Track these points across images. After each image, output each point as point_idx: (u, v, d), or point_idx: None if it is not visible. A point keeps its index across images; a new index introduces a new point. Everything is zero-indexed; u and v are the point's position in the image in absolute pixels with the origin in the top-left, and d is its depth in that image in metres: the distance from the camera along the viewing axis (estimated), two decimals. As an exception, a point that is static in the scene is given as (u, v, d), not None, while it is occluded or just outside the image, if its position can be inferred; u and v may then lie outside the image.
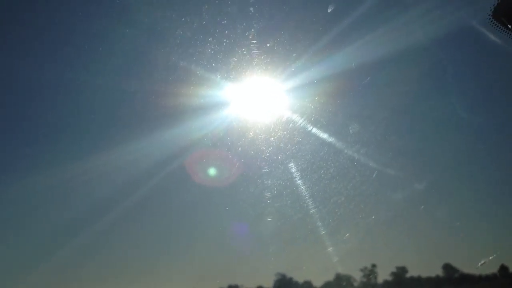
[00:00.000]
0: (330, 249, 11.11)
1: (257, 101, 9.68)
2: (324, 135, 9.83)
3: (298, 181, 10.18)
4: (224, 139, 10.03)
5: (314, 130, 9.79)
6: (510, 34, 6.29)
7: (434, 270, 27.56)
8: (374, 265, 27.47)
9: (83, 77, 10.09)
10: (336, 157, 10.17)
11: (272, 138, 9.81)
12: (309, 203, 10.34)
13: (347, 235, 11.22)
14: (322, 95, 9.74)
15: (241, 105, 9.74)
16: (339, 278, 23.95)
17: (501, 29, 6.26)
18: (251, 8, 8.59)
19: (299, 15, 9.03)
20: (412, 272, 27.40)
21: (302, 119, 9.67)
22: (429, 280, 26.67)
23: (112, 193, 12.69)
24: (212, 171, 10.93)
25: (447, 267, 27.94)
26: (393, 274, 28.21)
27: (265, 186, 10.36)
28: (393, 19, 9.23)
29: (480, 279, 24.12)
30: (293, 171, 10.05)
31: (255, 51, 8.89)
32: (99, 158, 11.44)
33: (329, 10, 8.87)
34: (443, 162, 13.59)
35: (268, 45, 8.93)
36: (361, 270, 27.68)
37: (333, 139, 10.00)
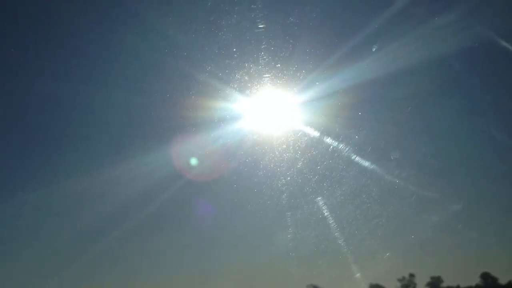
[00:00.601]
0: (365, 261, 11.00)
1: (271, 114, 9.58)
2: (345, 152, 9.67)
3: (320, 198, 10.10)
4: (237, 152, 9.94)
5: (332, 145, 9.61)
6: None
7: (472, 280, 26.82)
8: (412, 275, 26.58)
9: (96, 90, 10.18)
10: (357, 173, 10.02)
11: (287, 152, 9.68)
12: (332, 221, 10.26)
13: (387, 254, 11.03)
14: (339, 109, 9.59)
15: (254, 118, 9.64)
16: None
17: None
18: (265, 22, 8.54)
19: (314, 29, 8.92)
20: (448, 282, 26.68)
21: (317, 133, 9.52)
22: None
23: (125, 204, 12.73)
24: (225, 186, 10.84)
25: (486, 276, 26.91)
26: (428, 284, 27.28)
27: (284, 203, 10.27)
28: (410, 32, 9.02)
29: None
30: (315, 190, 9.98)
31: (268, 64, 8.83)
32: (112, 170, 11.50)
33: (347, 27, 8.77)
34: (478, 182, 13.22)
35: (282, 58, 8.86)
36: (399, 280, 26.85)
37: (354, 157, 9.83)
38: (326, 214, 10.22)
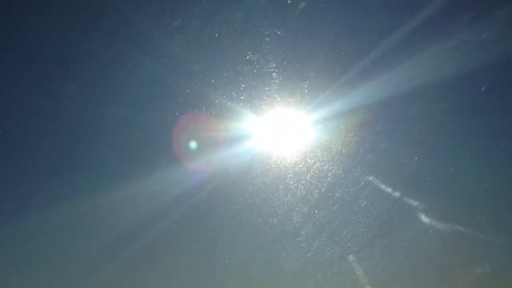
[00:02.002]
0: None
1: (282, 134, 9.43)
2: (355, 172, 9.52)
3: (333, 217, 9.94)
4: (248, 172, 9.79)
5: (343, 165, 9.46)
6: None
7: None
8: None
9: (101, 109, 10.14)
10: (370, 193, 9.80)
11: (299, 172, 9.52)
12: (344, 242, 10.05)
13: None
14: (353, 128, 9.38)
15: (265, 137, 9.50)
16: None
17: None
18: (277, 40, 8.46)
19: (326, 47, 8.78)
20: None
21: (329, 152, 9.35)
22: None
23: (132, 225, 12.55)
24: (236, 206, 10.63)
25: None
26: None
27: (297, 223, 10.11)
28: (425, 51, 8.81)
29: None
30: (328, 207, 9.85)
31: (279, 83, 8.73)
32: (117, 191, 11.36)
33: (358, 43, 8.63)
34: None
35: (293, 76, 8.76)
36: None
37: (366, 176, 9.63)
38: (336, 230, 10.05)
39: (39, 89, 11.10)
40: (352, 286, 10.84)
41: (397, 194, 9.72)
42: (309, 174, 9.43)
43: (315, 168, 9.34)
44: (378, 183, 9.61)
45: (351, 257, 10.38)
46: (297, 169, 9.39)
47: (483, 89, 9.85)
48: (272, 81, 8.69)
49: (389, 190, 9.68)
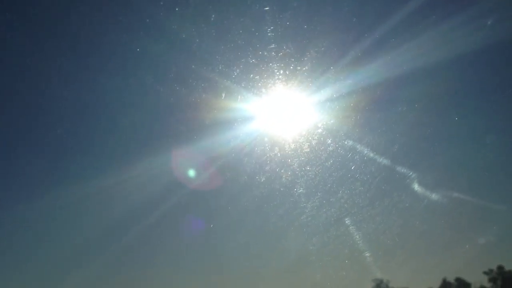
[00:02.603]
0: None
1: (284, 115, 9.61)
2: (360, 153, 9.71)
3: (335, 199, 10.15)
4: (251, 154, 9.99)
5: (345, 144, 9.64)
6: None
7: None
8: (501, 267, 26.12)
9: (105, 91, 10.34)
10: (373, 172, 10.04)
11: (301, 153, 9.72)
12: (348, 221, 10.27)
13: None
14: (353, 109, 9.57)
15: (267, 119, 9.68)
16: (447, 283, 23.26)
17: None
18: (279, 23, 8.55)
19: (327, 29, 8.91)
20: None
21: (331, 133, 9.54)
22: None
23: (137, 206, 12.88)
24: (239, 187, 10.90)
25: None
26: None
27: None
28: (424, 33, 8.93)
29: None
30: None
31: (282, 65, 8.84)
32: (122, 172, 11.66)
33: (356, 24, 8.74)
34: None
35: (296, 58, 8.87)
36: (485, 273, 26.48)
37: (369, 157, 9.85)
38: (341, 215, 10.31)
39: (38, 83, 11.30)
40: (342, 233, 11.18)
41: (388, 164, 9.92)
42: (311, 153, 9.64)
43: (315, 148, 9.52)
44: (374, 158, 9.81)
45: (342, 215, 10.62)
46: (298, 147, 9.56)
47: (478, 71, 10.03)
48: (275, 64, 8.81)
49: (383, 163, 9.88)
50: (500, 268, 26.91)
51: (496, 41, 9.37)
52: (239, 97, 9.11)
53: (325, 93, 9.19)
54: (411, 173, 10.02)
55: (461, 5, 9.07)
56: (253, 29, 8.44)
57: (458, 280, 25.35)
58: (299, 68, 8.91)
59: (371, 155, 9.73)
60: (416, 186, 10.33)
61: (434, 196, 10.35)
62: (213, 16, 8.57)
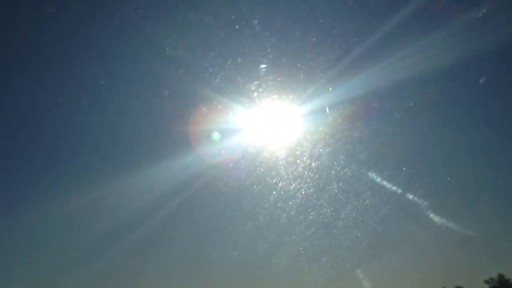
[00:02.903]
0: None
1: (272, 126, 9.55)
2: (348, 164, 9.65)
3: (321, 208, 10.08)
4: (239, 165, 9.94)
5: (333, 156, 9.57)
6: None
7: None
8: (501, 275, 25.83)
9: (96, 103, 10.31)
10: (360, 183, 9.96)
11: (289, 165, 9.64)
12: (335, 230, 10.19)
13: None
14: (342, 120, 9.49)
15: (256, 130, 9.62)
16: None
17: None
18: (267, 33, 8.52)
19: (316, 40, 8.85)
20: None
21: (319, 144, 9.46)
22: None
23: (126, 220, 12.81)
24: (226, 198, 10.82)
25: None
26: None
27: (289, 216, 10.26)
28: (414, 43, 8.87)
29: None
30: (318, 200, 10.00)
31: (270, 76, 8.79)
32: (111, 185, 11.59)
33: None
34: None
35: (284, 69, 8.83)
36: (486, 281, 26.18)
37: (356, 167, 9.78)
38: (328, 223, 10.24)
39: (38, 85, 11.30)
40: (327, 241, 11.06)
41: (376, 177, 9.85)
42: (299, 164, 9.56)
43: (303, 158, 9.45)
44: (361, 169, 9.73)
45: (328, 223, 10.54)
46: (286, 158, 9.48)
47: (469, 80, 9.97)
48: (264, 74, 8.76)
49: (371, 175, 9.80)
50: (501, 276, 26.72)
51: (489, 49, 9.31)
52: (226, 108, 9.07)
53: (314, 104, 9.14)
54: (401, 190, 9.94)
55: (451, 15, 9.02)
56: (242, 41, 8.42)
57: (458, 289, 25.13)
58: (287, 79, 8.87)
59: (360, 168, 9.65)
60: (410, 197, 10.24)
61: (429, 206, 10.25)
62: (202, 27, 8.55)
